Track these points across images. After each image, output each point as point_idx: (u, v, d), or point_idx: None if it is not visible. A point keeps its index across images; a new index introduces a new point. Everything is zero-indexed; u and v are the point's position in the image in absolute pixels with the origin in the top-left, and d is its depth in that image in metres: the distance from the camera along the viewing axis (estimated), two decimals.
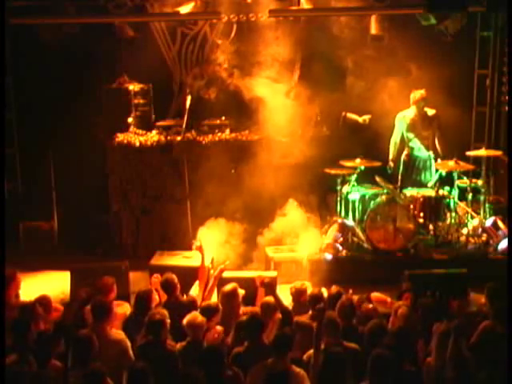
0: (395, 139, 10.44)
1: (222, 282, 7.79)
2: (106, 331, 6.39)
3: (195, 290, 7.72)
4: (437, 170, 10.21)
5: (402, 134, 10.40)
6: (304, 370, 5.92)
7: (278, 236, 9.56)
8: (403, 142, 10.43)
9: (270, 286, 7.13)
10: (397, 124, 10.39)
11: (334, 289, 7.31)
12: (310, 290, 7.47)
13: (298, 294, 7.46)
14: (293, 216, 9.57)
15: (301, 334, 6.51)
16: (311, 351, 6.25)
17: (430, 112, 10.31)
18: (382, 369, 5.49)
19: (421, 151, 10.39)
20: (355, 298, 7.45)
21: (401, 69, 10.47)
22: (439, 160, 10.24)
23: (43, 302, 6.88)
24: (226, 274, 8.04)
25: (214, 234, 9.01)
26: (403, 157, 10.42)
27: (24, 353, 5.92)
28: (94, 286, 7.30)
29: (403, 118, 10.34)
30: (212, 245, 8.85)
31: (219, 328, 6.73)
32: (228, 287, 7.31)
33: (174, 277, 7.44)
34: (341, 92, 10.50)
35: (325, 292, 7.45)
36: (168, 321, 6.41)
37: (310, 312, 7.02)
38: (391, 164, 10.43)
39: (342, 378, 5.61)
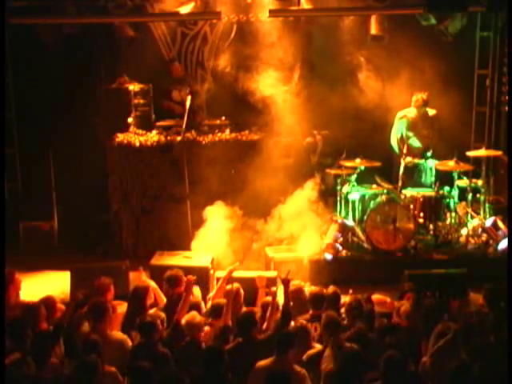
0: (396, 135, 10.35)
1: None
2: (105, 332, 6.40)
3: (197, 291, 7.71)
4: (437, 171, 10.20)
5: (402, 133, 10.37)
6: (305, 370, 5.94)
7: (280, 223, 9.52)
8: (403, 141, 10.39)
9: (273, 294, 7.13)
10: (397, 122, 10.35)
11: (331, 289, 7.31)
12: (307, 290, 7.48)
13: (296, 294, 7.46)
14: (298, 202, 9.54)
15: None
16: (312, 351, 6.27)
17: (431, 112, 10.29)
18: (395, 370, 5.48)
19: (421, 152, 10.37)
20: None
21: (400, 69, 10.45)
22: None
23: (48, 302, 6.89)
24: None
25: (214, 232, 9.03)
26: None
27: (22, 353, 5.92)
28: (91, 286, 7.30)
29: (404, 117, 10.32)
30: (212, 243, 8.88)
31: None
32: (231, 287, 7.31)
33: (181, 272, 7.44)
34: (344, 92, 10.49)
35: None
36: (159, 322, 6.40)
37: (311, 312, 7.03)
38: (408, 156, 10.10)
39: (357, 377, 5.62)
